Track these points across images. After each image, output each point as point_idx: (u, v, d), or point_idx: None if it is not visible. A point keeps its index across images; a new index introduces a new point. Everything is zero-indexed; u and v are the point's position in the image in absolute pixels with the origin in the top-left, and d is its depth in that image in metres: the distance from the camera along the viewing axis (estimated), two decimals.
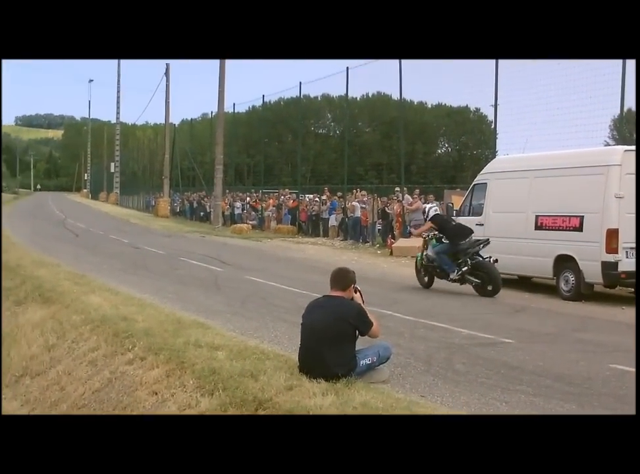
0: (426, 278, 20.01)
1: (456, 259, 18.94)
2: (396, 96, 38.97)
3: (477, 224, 20.41)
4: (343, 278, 9.14)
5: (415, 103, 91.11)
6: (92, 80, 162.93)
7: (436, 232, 19.52)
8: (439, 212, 20.71)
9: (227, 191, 52.19)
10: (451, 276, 18.93)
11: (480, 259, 18.73)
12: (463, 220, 20.91)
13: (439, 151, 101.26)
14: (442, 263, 19.11)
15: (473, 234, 19.15)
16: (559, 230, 17.84)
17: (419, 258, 20.17)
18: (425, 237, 20.12)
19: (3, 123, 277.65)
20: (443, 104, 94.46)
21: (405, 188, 33.34)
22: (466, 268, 18.65)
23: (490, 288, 18.45)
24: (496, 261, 18.55)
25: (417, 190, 33.18)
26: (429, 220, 19.94)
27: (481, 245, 18.95)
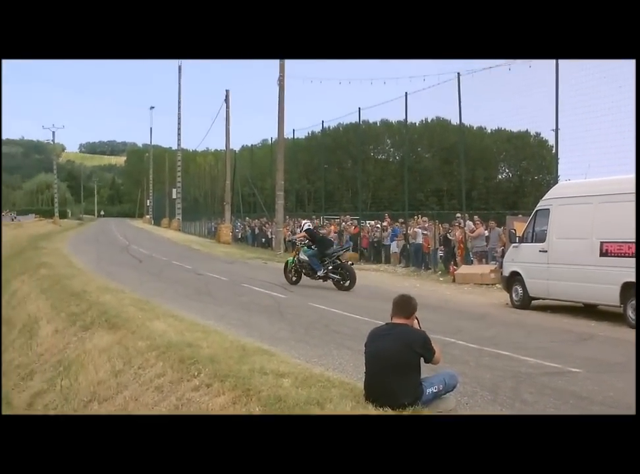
0: (294, 278, 27.09)
1: (322, 261, 26.09)
2: (455, 121, 38.81)
3: (540, 251, 20.29)
4: (406, 305, 9.10)
5: (475, 128, 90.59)
6: (153, 107, 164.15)
7: (308, 241, 26.82)
8: (310, 227, 28.60)
9: (287, 217, 52.25)
10: (318, 274, 26.09)
11: (340, 261, 26.23)
12: (526, 246, 20.81)
13: (500, 177, 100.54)
14: (312, 264, 26.20)
15: (334, 244, 29.09)
16: (625, 256, 17.55)
17: (290, 261, 27.40)
18: (298, 245, 27.52)
19: (68, 150, 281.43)
20: (503, 129, 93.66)
21: (466, 214, 33.16)
22: (330, 267, 25.98)
23: (347, 283, 25.57)
24: (352, 263, 27.38)
25: (476, 217, 33.00)
26: (303, 231, 27.63)
27: (341, 251, 27.25)
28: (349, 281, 25.52)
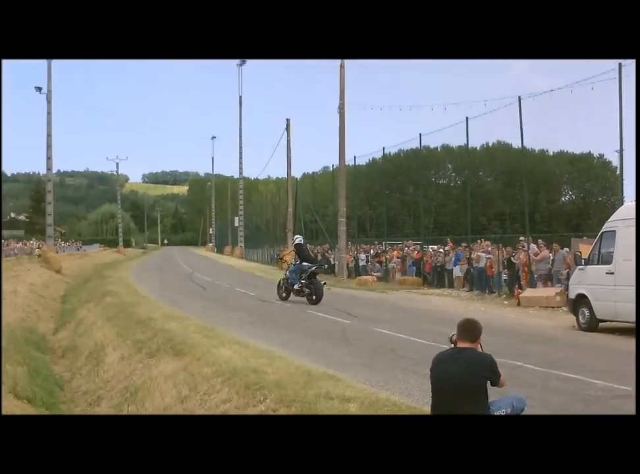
0: (284, 294, 29.62)
1: (300, 276, 28.70)
2: (516, 144, 38.72)
3: (607, 273, 20.06)
4: (472, 329, 9.02)
5: (536, 151, 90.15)
6: (215, 137, 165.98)
7: (295, 256, 29.86)
8: (301, 243, 31.12)
9: (350, 243, 52.25)
10: (295, 287, 28.84)
11: (314, 278, 28.61)
12: (592, 268, 20.59)
13: (563, 199, 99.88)
14: (291, 278, 29.19)
15: (317, 261, 32.49)
16: None
17: (282, 278, 30.33)
18: (287, 262, 31.59)
19: (131, 181, 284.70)
20: (565, 151, 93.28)
21: (529, 237, 32.89)
22: (303, 281, 28.49)
23: (314, 297, 28.17)
24: (325, 283, 30.10)
25: (540, 240, 32.74)
26: (294, 245, 30.85)
27: (314, 268, 29.15)
28: (315, 296, 28.39)
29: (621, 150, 26.81)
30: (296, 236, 33.14)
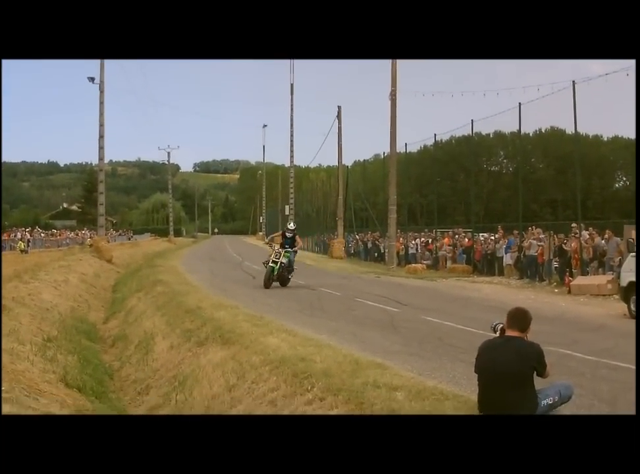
0: (273, 283, 29.43)
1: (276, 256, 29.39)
2: (570, 130, 38.30)
3: None
4: (522, 318, 8.94)
5: (590, 136, 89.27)
6: (266, 125, 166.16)
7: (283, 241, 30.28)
8: (290, 228, 31.41)
9: (400, 231, 52.09)
10: (291, 274, 30.21)
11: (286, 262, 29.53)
12: None
13: (616, 185, 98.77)
14: (291, 266, 30.09)
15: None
16: None
17: (277, 267, 29.27)
18: (281, 250, 29.53)
19: (182, 170, 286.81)
20: (620, 136, 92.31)
21: (582, 224, 32.56)
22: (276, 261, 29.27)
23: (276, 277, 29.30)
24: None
25: (590, 227, 32.43)
26: (286, 233, 30.81)
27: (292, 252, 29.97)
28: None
29: None
30: (289, 224, 33.47)
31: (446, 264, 43.55)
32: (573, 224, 33.31)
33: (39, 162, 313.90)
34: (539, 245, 33.20)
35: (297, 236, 31.39)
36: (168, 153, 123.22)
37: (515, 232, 37.04)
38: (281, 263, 29.47)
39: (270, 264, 29.48)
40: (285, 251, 29.67)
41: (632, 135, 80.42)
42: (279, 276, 29.71)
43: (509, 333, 8.87)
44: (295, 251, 30.80)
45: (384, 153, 59.16)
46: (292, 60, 77.83)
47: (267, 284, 29.15)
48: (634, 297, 20.82)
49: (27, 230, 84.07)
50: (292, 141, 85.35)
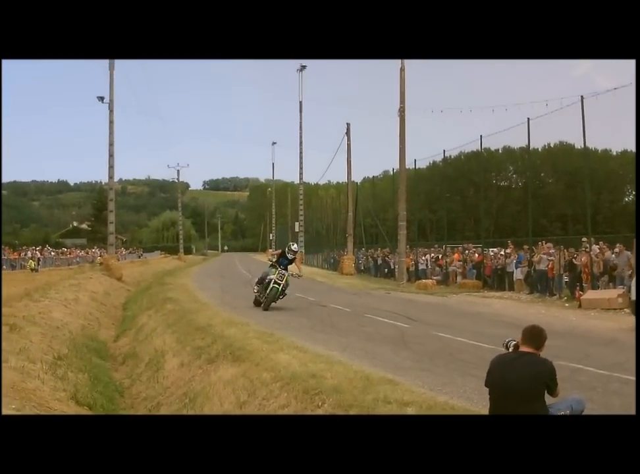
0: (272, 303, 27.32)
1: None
2: (579, 145, 38.32)
3: None
4: (538, 336, 8.90)
5: (599, 151, 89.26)
6: (275, 143, 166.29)
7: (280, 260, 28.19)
8: (293, 249, 28.67)
9: (409, 247, 52.07)
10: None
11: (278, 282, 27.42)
12: None
13: (626, 199, 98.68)
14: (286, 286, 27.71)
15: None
16: None
17: (279, 288, 27.35)
18: (283, 270, 27.71)
19: (192, 188, 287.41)
20: (629, 150, 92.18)
21: (592, 238, 32.51)
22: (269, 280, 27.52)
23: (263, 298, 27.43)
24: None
25: (600, 242, 32.39)
26: (287, 253, 28.42)
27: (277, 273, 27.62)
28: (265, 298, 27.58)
29: None
30: (291, 244, 29.85)
31: (456, 279, 43.50)
32: (584, 239, 33.24)
33: (49, 181, 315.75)
34: (549, 260, 33.16)
35: (297, 259, 29.74)
36: (178, 171, 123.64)
37: (525, 246, 37.00)
38: (283, 286, 27.58)
39: (273, 284, 27.39)
40: (287, 276, 27.79)
41: None
42: (274, 298, 27.53)
43: (523, 349, 8.84)
44: (300, 276, 29.06)
45: (393, 170, 59.30)
46: (300, 77, 78.00)
47: (266, 307, 27.18)
48: None
49: (37, 248, 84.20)
50: (301, 158, 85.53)
